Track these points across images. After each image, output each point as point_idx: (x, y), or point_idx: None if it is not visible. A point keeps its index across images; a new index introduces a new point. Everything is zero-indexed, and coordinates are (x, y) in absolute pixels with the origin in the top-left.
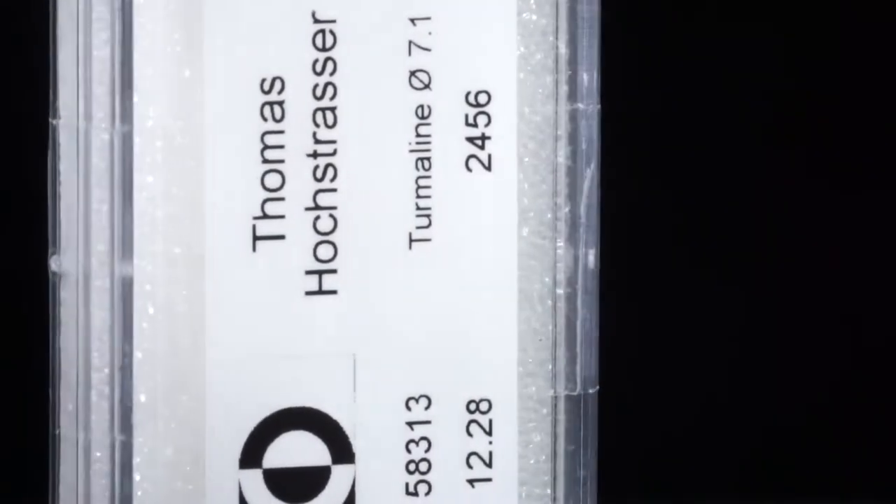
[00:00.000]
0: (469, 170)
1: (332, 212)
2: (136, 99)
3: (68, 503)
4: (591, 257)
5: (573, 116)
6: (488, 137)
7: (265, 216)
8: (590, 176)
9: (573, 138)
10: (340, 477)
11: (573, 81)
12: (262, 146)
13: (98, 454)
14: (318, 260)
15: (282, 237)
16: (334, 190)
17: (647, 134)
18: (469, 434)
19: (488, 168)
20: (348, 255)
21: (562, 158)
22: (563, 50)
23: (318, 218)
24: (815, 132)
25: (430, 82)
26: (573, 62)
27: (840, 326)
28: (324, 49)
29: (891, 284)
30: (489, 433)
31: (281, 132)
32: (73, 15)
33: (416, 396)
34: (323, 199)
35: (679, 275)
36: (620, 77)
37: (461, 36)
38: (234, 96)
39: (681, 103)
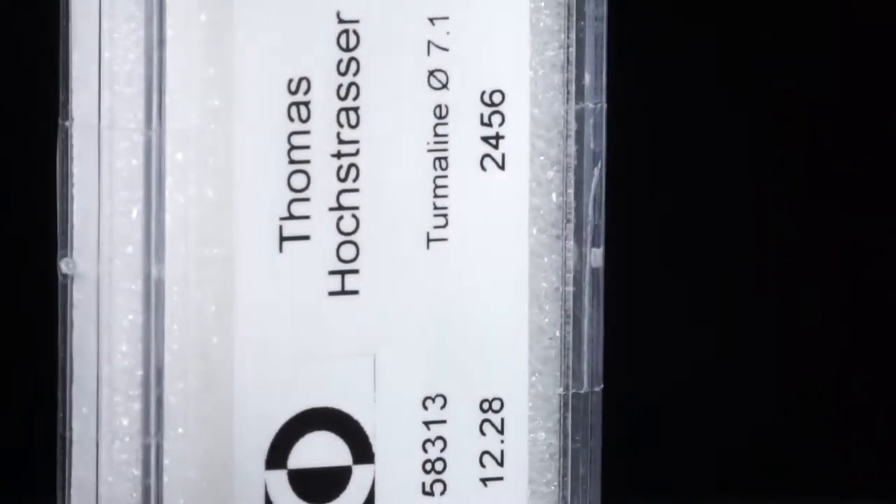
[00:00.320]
0: (484, 169)
1: (355, 212)
2: (168, 101)
3: None
4: (598, 256)
5: (580, 115)
6: (502, 137)
7: (291, 217)
8: (597, 175)
9: (580, 137)
10: (361, 477)
11: (580, 80)
12: (288, 146)
13: (124, 457)
14: (340, 260)
15: (307, 238)
16: (357, 190)
17: (651, 133)
18: (482, 433)
19: (502, 167)
20: (369, 255)
21: (569, 157)
22: (571, 49)
23: (341, 218)
24: (816, 132)
25: (447, 82)
26: (581, 61)
27: (841, 326)
28: (348, 49)
29: (891, 284)
30: (501, 432)
31: (307, 132)
32: (92, 16)
33: (433, 396)
34: (346, 200)
35: (680, 275)
36: (624, 76)
37: (477, 35)
38: (263, 97)
39: (682, 103)
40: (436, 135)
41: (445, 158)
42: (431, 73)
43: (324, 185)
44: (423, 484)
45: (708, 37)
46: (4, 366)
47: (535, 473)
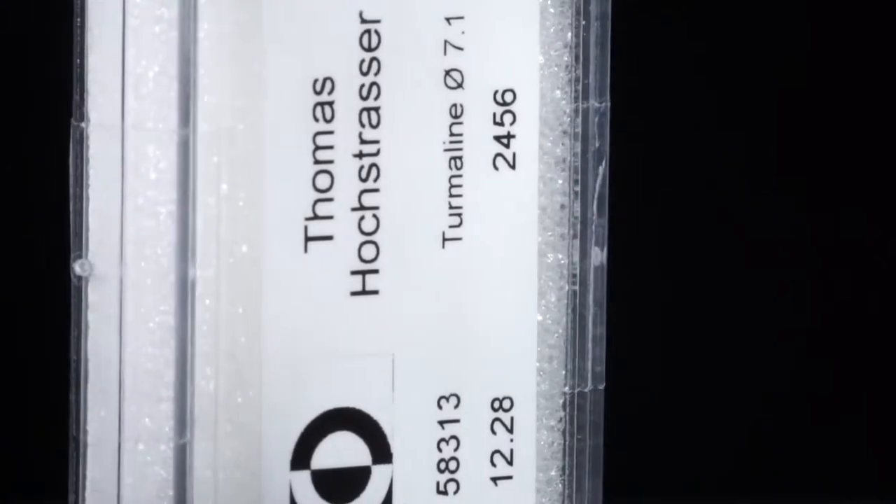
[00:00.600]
0: (496, 168)
1: (375, 212)
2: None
3: None
4: (601, 254)
5: (585, 114)
6: (513, 136)
7: (315, 217)
8: (601, 173)
9: (584, 136)
10: (379, 477)
11: (585, 79)
12: (313, 147)
13: (148, 458)
14: (362, 260)
15: (330, 238)
16: (377, 190)
17: (653, 133)
18: (493, 432)
19: (513, 167)
20: (389, 255)
21: (573, 156)
22: (576, 48)
23: (362, 218)
24: (819, 133)
25: (462, 81)
26: (585, 60)
27: (843, 325)
28: (370, 49)
29: (891, 284)
30: (511, 431)
31: (331, 132)
32: (113, 18)
33: (447, 395)
34: (367, 200)
35: (683, 274)
36: (627, 76)
37: (490, 34)
38: (289, 97)
39: (684, 103)
40: (451, 134)
41: (460, 158)
42: (448, 72)
43: (346, 186)
44: (438, 483)
45: (713, 37)
46: (19, 368)
47: (540, 472)
